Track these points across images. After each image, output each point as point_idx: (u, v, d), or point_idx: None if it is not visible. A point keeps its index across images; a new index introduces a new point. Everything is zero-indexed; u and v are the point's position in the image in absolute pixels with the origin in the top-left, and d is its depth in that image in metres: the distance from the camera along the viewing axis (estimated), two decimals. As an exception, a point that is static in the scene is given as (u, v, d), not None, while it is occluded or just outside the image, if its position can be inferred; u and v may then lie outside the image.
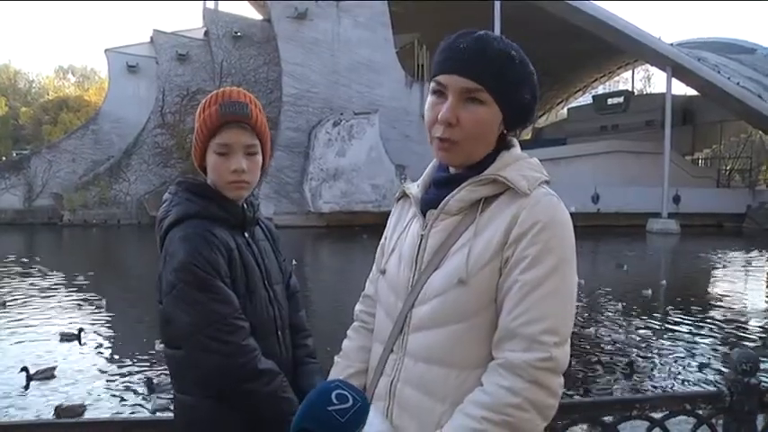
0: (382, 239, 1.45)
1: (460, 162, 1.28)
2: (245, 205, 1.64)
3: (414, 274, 1.27)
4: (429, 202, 1.30)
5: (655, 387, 7.41)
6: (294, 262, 17.90)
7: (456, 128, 1.22)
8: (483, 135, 1.24)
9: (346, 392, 0.91)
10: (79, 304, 11.58)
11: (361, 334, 1.45)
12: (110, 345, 8.98)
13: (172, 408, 1.61)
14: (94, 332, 9.52)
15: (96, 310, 10.95)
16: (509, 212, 1.18)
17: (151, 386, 6.79)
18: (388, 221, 1.45)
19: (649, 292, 12.96)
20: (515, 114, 1.25)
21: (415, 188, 1.39)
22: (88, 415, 6.15)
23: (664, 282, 14.64)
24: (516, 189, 1.19)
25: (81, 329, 9.08)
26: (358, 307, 1.49)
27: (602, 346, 9.13)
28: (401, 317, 1.27)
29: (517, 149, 1.29)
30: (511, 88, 1.22)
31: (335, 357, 1.45)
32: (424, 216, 1.30)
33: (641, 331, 10.08)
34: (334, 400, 0.90)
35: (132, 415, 6.04)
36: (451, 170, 1.31)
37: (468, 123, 1.21)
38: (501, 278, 1.17)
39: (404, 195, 1.43)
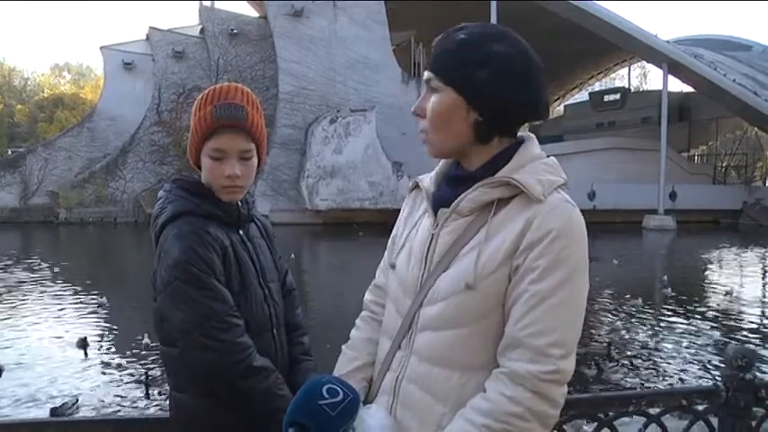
0: (395, 230, 1.44)
1: (439, 154, 1.30)
2: (239, 203, 1.63)
3: (423, 273, 1.26)
4: (441, 200, 1.29)
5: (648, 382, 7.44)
6: (292, 255, 17.98)
7: (423, 119, 1.26)
8: (443, 122, 1.23)
9: (337, 387, 0.92)
10: (80, 302, 11.58)
11: (369, 324, 1.45)
12: (109, 343, 8.97)
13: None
14: (96, 333, 9.51)
15: (97, 308, 10.94)
16: (522, 218, 1.16)
17: (56, 413, 6.46)
18: (401, 213, 1.44)
19: (669, 290, 12.86)
20: (475, 97, 1.20)
21: (427, 181, 1.37)
22: (83, 413, 6.15)
23: (665, 277, 14.77)
24: (530, 194, 1.16)
25: (86, 342, 8.63)
26: (367, 296, 1.49)
27: (597, 338, 9.16)
28: (410, 315, 1.27)
29: (533, 148, 1.26)
30: (458, 70, 1.20)
31: (343, 346, 1.45)
32: (436, 213, 1.28)
33: (641, 326, 10.13)
34: (325, 394, 0.91)
35: (127, 414, 6.05)
36: (465, 167, 1.29)
37: (428, 112, 1.25)
38: (510, 285, 1.16)
39: (416, 187, 1.42)
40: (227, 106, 1.52)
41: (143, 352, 8.11)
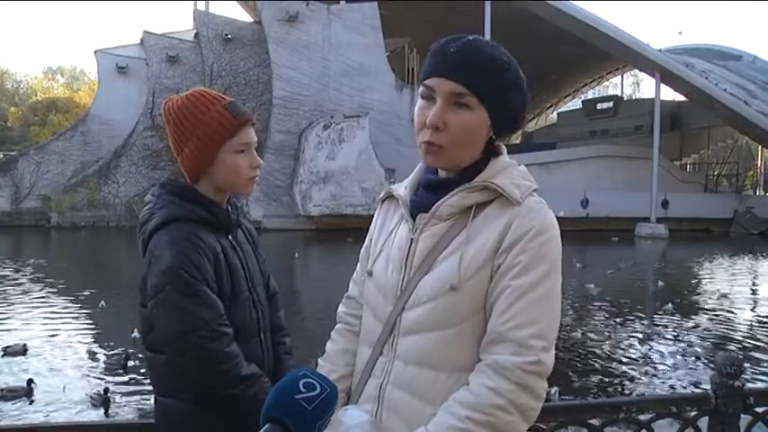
0: (367, 240, 1.45)
1: (448, 166, 1.28)
2: (229, 208, 1.65)
3: (403, 278, 1.27)
4: (419, 206, 1.30)
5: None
6: (296, 255, 18.01)
7: (443, 132, 1.21)
8: (470, 140, 1.23)
9: (314, 381, 0.91)
10: (76, 305, 11.52)
11: (345, 336, 1.45)
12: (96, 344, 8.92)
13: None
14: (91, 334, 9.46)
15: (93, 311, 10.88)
16: (502, 220, 1.20)
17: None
18: (373, 222, 1.45)
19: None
20: (503, 121, 1.25)
21: (402, 190, 1.38)
22: (75, 418, 6.10)
23: (661, 284, 14.86)
24: (509, 197, 1.20)
25: (127, 358, 7.95)
26: (341, 309, 1.49)
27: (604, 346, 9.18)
28: (390, 320, 1.27)
29: (506, 156, 1.30)
30: (499, 94, 1.21)
31: (319, 359, 1.44)
32: (414, 219, 1.30)
33: (636, 332, 10.17)
34: (302, 389, 0.90)
35: (114, 418, 6.00)
36: (441, 173, 1.31)
37: (454, 128, 1.21)
38: (491, 284, 1.18)
39: (389, 196, 1.43)
40: (237, 104, 1.60)
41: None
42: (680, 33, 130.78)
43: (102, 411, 6.44)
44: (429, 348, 1.21)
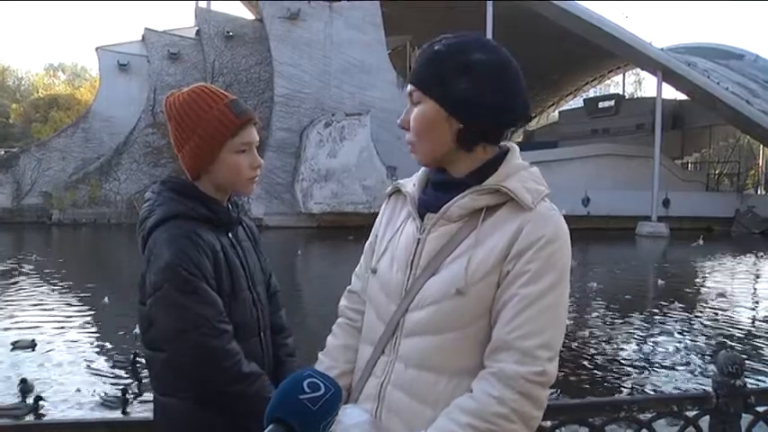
0: (372, 235, 1.44)
1: (428, 162, 1.30)
2: (230, 206, 1.64)
3: (408, 278, 1.26)
4: (427, 204, 1.29)
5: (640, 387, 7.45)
6: (299, 252, 17.92)
7: (410, 131, 1.28)
8: (427, 132, 1.26)
9: (318, 381, 0.91)
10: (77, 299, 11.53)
11: (346, 331, 1.44)
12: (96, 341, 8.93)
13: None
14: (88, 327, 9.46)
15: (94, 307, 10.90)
16: (512, 225, 1.18)
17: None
18: (379, 217, 1.44)
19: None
20: (459, 109, 1.22)
21: (410, 186, 1.37)
22: (73, 415, 6.11)
23: (662, 282, 14.86)
24: (520, 202, 1.19)
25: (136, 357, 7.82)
26: (343, 303, 1.48)
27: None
28: (394, 320, 1.26)
29: (517, 157, 1.28)
30: (437, 81, 1.22)
31: (319, 354, 1.44)
32: (422, 218, 1.28)
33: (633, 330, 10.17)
34: (306, 389, 0.90)
35: (109, 416, 6.00)
36: (452, 174, 1.29)
37: (413, 124, 1.27)
38: (499, 290, 1.17)
39: (396, 191, 1.42)
40: (239, 103, 1.58)
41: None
42: (626, 17, 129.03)
43: (116, 412, 6.40)
44: (431, 351, 1.20)
